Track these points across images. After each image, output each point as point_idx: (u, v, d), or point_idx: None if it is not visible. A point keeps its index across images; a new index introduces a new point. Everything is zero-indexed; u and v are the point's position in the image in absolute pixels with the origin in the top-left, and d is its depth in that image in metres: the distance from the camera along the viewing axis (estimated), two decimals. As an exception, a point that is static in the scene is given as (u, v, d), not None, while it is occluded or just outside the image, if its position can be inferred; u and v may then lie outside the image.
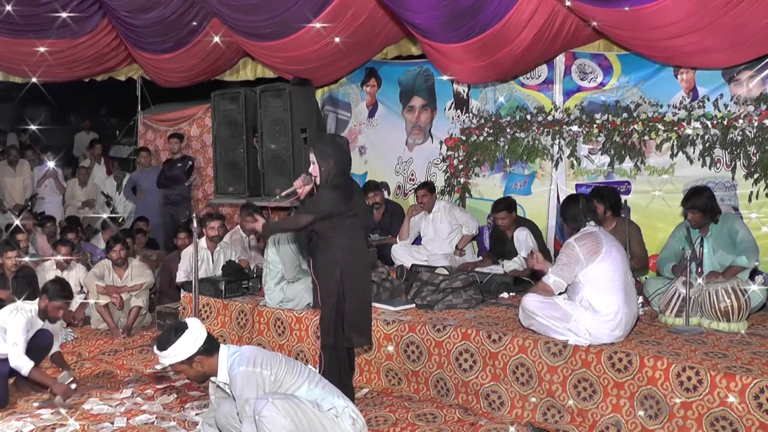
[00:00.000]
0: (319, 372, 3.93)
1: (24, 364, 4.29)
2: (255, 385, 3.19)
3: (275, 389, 3.25)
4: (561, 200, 6.24)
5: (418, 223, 6.54)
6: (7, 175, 9.10)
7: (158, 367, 3.34)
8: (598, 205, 4.84)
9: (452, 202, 6.80)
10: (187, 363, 3.23)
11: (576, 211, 4.11)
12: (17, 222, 7.07)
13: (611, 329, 3.88)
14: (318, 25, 5.95)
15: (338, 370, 4.00)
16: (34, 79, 7.69)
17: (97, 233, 8.02)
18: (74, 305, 6.28)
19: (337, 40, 6.08)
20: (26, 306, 4.50)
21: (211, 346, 3.27)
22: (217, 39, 6.84)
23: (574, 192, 6.07)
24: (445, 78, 6.53)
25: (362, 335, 3.99)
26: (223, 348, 3.31)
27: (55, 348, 4.71)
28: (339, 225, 3.87)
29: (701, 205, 4.65)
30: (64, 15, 6.84)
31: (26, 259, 6.41)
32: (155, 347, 3.27)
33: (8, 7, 6.39)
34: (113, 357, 5.43)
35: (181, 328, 3.25)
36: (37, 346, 4.50)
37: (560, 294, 4.11)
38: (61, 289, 4.52)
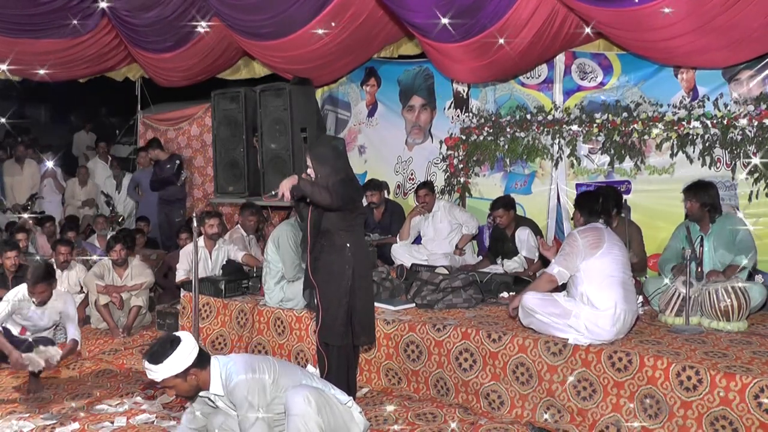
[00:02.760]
0: (325, 374, 3.94)
1: None
2: (257, 392, 3.16)
3: (276, 391, 3.23)
4: (560, 198, 6.31)
5: (419, 223, 6.54)
6: (14, 173, 9.10)
7: (157, 379, 3.19)
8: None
9: (452, 202, 6.80)
10: (182, 376, 3.14)
11: (594, 205, 4.21)
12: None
13: (611, 325, 3.88)
14: (318, 25, 5.94)
15: (346, 371, 4.02)
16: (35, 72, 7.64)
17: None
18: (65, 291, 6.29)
19: (331, 26, 6.05)
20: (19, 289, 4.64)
21: (203, 359, 3.20)
22: (202, 24, 6.76)
23: (574, 192, 6.08)
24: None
25: (368, 333, 4.04)
26: (214, 360, 3.25)
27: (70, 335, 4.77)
28: (351, 223, 3.89)
29: (702, 198, 4.68)
30: (65, 15, 6.82)
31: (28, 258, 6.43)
32: (147, 362, 3.14)
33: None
34: (113, 356, 5.44)
35: (175, 341, 3.16)
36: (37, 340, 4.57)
37: (560, 290, 4.13)
38: (34, 269, 4.61)
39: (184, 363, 3.12)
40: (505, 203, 5.91)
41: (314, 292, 3.98)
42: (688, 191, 4.80)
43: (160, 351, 3.13)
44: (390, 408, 4.14)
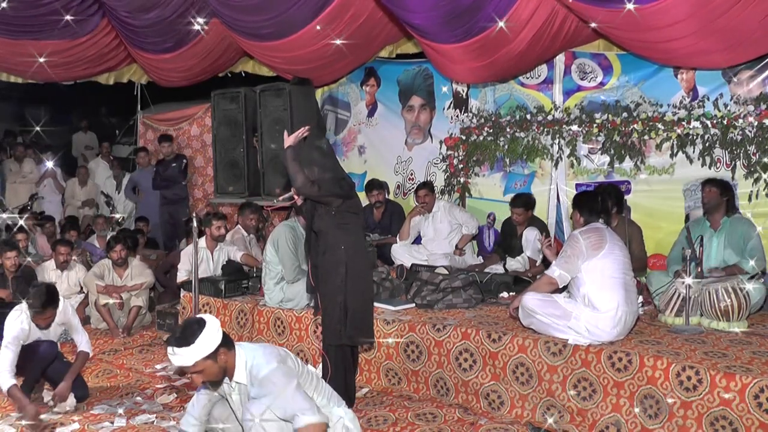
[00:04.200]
0: (326, 374, 3.94)
1: (4, 382, 4.02)
2: (295, 380, 3.04)
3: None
4: (560, 198, 6.30)
5: (419, 223, 6.54)
6: (13, 173, 9.11)
7: (173, 367, 3.07)
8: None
9: (452, 202, 6.80)
10: (213, 357, 2.99)
11: (594, 204, 4.20)
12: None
13: (611, 326, 3.88)
14: (318, 26, 5.94)
15: (343, 371, 4.02)
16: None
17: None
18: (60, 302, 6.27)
19: (337, 41, 6.08)
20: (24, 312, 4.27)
21: (228, 340, 3.07)
22: (202, 25, 6.76)
23: (574, 191, 6.08)
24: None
25: (364, 333, 4.03)
26: (238, 347, 3.11)
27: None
28: (341, 222, 3.90)
29: (722, 187, 4.76)
30: (65, 16, 6.83)
31: (27, 259, 6.41)
32: (175, 347, 2.96)
33: (4, 4, 6.37)
34: (113, 356, 5.44)
35: (201, 322, 3.03)
36: (39, 357, 4.33)
37: (561, 291, 4.13)
38: (36, 296, 4.19)
39: (214, 342, 2.98)
40: (525, 202, 5.86)
41: (316, 295, 4.02)
42: (708, 181, 4.89)
43: (188, 332, 2.99)
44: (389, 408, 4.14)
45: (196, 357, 2.96)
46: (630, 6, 4.53)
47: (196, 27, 6.83)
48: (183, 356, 2.97)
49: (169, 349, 3.00)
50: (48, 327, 4.36)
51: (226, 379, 3.12)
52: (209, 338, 2.97)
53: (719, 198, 4.77)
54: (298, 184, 3.90)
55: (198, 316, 3.12)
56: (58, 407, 4.20)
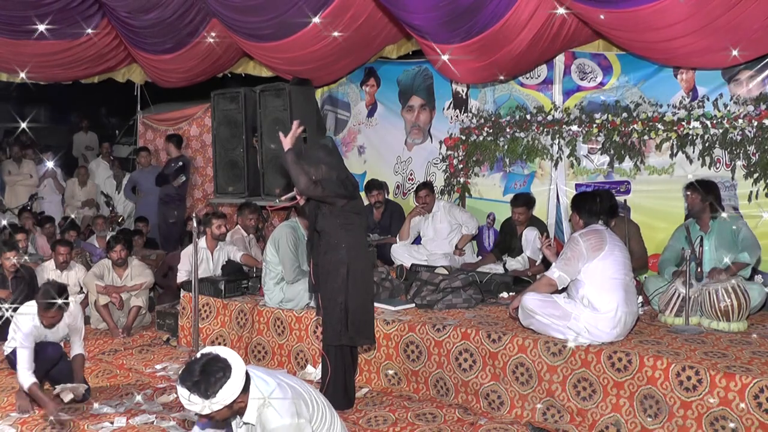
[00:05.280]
0: (326, 374, 3.94)
1: (26, 380, 4.10)
2: None
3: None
4: (560, 198, 6.30)
5: (419, 223, 6.54)
6: (12, 173, 9.12)
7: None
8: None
9: (452, 202, 6.80)
10: (231, 405, 2.65)
11: (593, 205, 4.17)
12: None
13: (611, 327, 3.89)
14: (318, 24, 5.93)
15: (343, 372, 4.02)
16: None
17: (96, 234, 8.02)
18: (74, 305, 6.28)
19: (336, 34, 6.06)
20: (31, 309, 4.30)
21: (246, 380, 2.71)
22: (200, 25, 6.77)
23: (574, 191, 6.08)
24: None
25: (364, 334, 4.03)
26: (252, 382, 2.77)
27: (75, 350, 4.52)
28: (345, 222, 3.91)
29: (703, 192, 4.71)
30: (65, 17, 6.83)
31: (26, 258, 6.41)
32: (191, 393, 2.58)
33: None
34: (113, 357, 5.44)
35: (226, 367, 2.62)
36: (45, 358, 4.34)
37: (560, 292, 4.13)
38: (44, 293, 4.21)
39: (236, 392, 2.63)
40: (526, 201, 5.87)
41: (316, 294, 4.03)
42: (689, 186, 4.84)
43: (210, 380, 2.58)
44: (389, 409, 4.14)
45: (213, 408, 2.62)
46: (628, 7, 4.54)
47: (196, 28, 6.84)
48: (198, 405, 2.60)
49: (182, 390, 2.61)
50: (52, 326, 4.36)
51: (244, 418, 2.80)
52: (232, 389, 2.62)
53: (701, 204, 4.73)
54: (301, 186, 3.89)
55: (222, 354, 2.68)
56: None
